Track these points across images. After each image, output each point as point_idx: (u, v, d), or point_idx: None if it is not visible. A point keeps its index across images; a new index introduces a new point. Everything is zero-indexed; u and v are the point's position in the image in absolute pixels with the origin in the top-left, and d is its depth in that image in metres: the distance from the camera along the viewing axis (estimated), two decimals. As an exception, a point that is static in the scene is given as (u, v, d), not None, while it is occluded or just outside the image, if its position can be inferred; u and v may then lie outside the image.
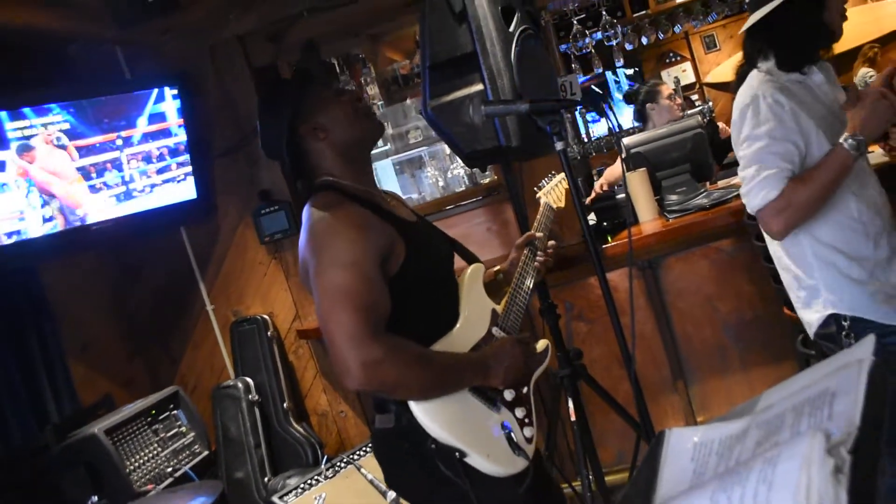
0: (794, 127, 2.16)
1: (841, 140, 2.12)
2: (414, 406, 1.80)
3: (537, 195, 2.62)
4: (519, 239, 2.39)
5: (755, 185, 2.16)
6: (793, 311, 2.63)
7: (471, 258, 2.22)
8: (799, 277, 2.31)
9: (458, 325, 1.97)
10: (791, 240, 2.28)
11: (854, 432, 0.80)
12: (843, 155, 2.12)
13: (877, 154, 3.25)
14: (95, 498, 2.21)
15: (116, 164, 3.59)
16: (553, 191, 2.63)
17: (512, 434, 1.90)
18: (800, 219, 2.20)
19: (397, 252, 1.84)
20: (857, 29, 6.41)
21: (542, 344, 2.18)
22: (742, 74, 2.35)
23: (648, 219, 3.58)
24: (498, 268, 2.34)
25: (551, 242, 2.41)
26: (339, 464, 3.25)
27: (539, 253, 2.33)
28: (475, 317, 2.03)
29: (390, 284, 1.80)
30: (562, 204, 2.61)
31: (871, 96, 2.12)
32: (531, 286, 2.24)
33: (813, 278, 2.27)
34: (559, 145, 1.77)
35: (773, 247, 2.39)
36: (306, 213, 1.88)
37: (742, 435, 0.98)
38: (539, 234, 2.38)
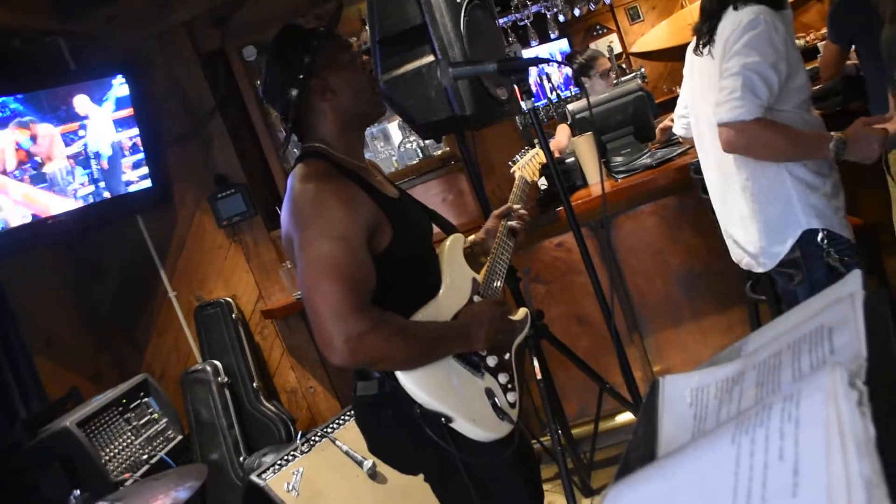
0: (784, 53, 2.16)
1: (833, 136, 2.16)
2: (400, 374, 1.74)
3: (512, 170, 2.58)
4: (496, 210, 2.34)
5: (735, 98, 2.14)
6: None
7: (448, 228, 2.16)
8: (766, 201, 2.29)
9: (440, 295, 1.92)
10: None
11: (863, 364, 0.76)
12: (824, 148, 2.17)
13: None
14: (78, 492, 2.10)
15: (81, 160, 3.44)
16: (528, 165, 2.58)
17: (496, 399, 1.86)
18: (752, 152, 2.23)
19: (383, 232, 1.77)
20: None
21: (521, 313, 2.14)
22: (705, 29, 2.32)
23: (597, 180, 3.56)
24: (473, 237, 2.29)
25: (522, 212, 2.35)
26: (313, 438, 3.18)
27: (516, 221, 2.29)
28: (457, 286, 1.98)
29: (375, 261, 1.72)
30: (536, 178, 2.58)
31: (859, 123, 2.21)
32: (510, 256, 2.21)
33: (785, 195, 2.26)
34: (526, 104, 1.71)
35: (738, 174, 2.35)
36: (292, 180, 1.78)
37: (739, 377, 0.95)
38: (516, 207, 2.33)
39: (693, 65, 2.51)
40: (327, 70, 1.84)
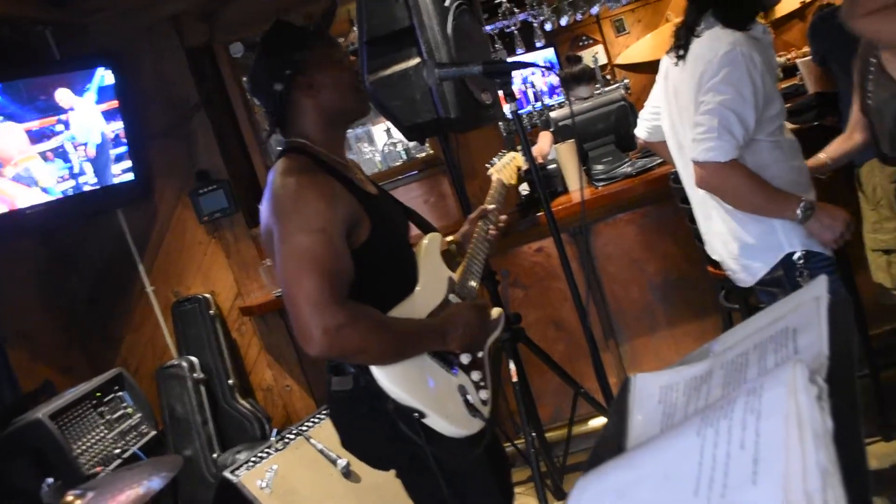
0: (761, 87, 2.12)
1: (802, 199, 2.15)
2: (374, 368, 1.76)
3: (489, 172, 2.60)
4: (473, 214, 2.36)
5: (711, 138, 2.11)
6: (717, 268, 2.66)
7: (426, 227, 2.18)
8: (747, 223, 2.27)
9: (416, 292, 1.93)
10: None
11: (825, 362, 0.79)
12: (791, 210, 2.15)
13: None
14: (51, 480, 2.09)
15: (60, 153, 3.41)
16: (505, 168, 2.61)
17: (469, 396, 1.88)
18: (720, 194, 2.22)
19: (362, 226, 1.79)
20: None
21: (496, 312, 2.16)
22: (681, 36, 2.31)
23: (577, 187, 3.59)
24: (451, 238, 2.31)
25: (503, 217, 2.38)
26: (288, 436, 3.17)
27: (491, 226, 2.31)
28: (432, 284, 2.00)
29: (353, 255, 1.74)
30: (513, 181, 2.60)
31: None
32: (486, 256, 2.23)
33: (768, 220, 2.23)
34: (509, 107, 1.74)
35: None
36: (273, 173, 1.80)
37: (707, 376, 0.97)
38: (492, 208, 2.35)
39: (668, 75, 2.46)
40: (314, 67, 1.86)
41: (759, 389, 0.74)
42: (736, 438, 0.70)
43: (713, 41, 2.18)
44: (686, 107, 2.30)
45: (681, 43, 2.31)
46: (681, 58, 2.31)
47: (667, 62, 2.45)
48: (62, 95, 3.46)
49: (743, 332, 1.05)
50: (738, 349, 0.98)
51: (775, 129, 2.25)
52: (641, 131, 2.75)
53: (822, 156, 2.58)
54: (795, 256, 2.23)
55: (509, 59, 2.80)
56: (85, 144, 3.57)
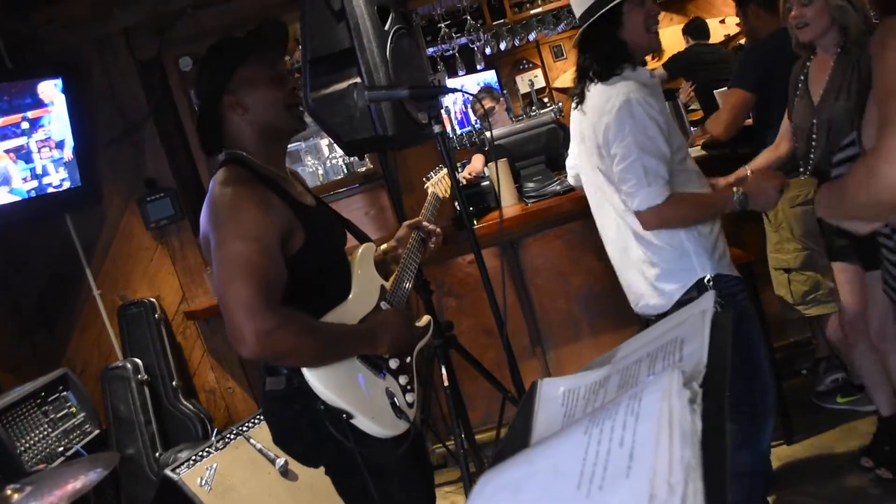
0: (663, 123, 2.17)
1: (735, 190, 2.20)
2: (305, 370, 1.77)
3: (425, 185, 2.63)
4: (408, 221, 2.39)
5: (643, 187, 2.15)
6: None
7: (362, 237, 2.20)
8: (663, 250, 2.29)
9: (349, 299, 1.95)
10: None
11: (702, 370, 0.84)
12: (729, 203, 2.21)
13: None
14: (-12, 475, 2.05)
15: (23, 154, 3.33)
16: (440, 182, 2.65)
17: (395, 399, 1.90)
18: (669, 226, 2.25)
19: (296, 236, 1.80)
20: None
21: (424, 319, 2.19)
22: (576, 86, 2.36)
23: (509, 203, 3.65)
24: (385, 247, 2.33)
25: (437, 230, 2.40)
26: (228, 435, 3.15)
27: (430, 239, 2.34)
28: (365, 292, 2.01)
29: (288, 263, 1.75)
30: (447, 195, 2.64)
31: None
32: (417, 266, 2.26)
33: (682, 247, 2.27)
34: (437, 128, 1.78)
35: (635, 225, 2.32)
36: (212, 184, 1.80)
37: (605, 381, 1.02)
38: (426, 225, 2.38)
39: (576, 120, 2.48)
40: (245, 87, 1.86)
41: (640, 393, 0.78)
42: (617, 437, 0.73)
43: (606, 91, 2.21)
44: (590, 149, 2.34)
45: (576, 91, 2.37)
46: (580, 103, 2.36)
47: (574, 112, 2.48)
48: (21, 98, 3.39)
49: (640, 342, 1.10)
50: (633, 356, 1.03)
51: (681, 160, 2.29)
52: (571, 178, 2.78)
53: (745, 168, 2.62)
54: (706, 279, 2.28)
55: (450, 83, 2.85)
56: (44, 147, 3.50)
